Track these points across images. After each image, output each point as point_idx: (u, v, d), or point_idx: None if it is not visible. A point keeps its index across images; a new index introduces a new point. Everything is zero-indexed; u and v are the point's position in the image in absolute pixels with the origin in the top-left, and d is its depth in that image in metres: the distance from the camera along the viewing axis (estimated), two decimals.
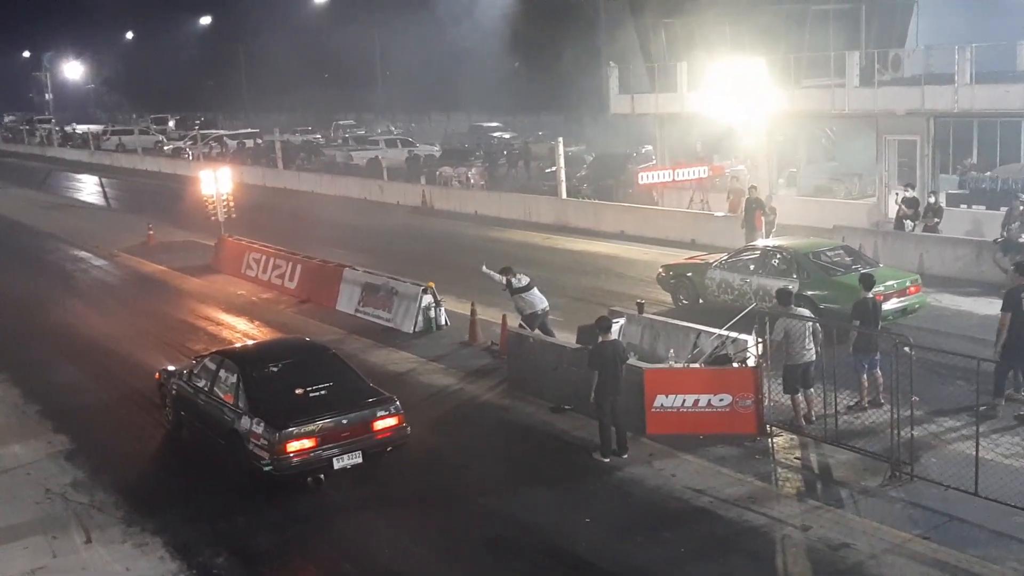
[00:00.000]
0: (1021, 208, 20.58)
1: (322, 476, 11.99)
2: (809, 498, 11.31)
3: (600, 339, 12.75)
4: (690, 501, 11.39)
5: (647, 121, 36.70)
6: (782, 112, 29.09)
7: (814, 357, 13.03)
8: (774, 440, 12.85)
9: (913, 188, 24.19)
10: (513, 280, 16.82)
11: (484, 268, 17.21)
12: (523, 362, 15.50)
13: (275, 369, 12.84)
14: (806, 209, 27.08)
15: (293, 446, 11.66)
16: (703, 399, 13.06)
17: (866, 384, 13.45)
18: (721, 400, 13.01)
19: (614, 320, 14.39)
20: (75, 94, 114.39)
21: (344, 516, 11.62)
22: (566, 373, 14.27)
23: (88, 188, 53.48)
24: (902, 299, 16.82)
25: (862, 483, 11.46)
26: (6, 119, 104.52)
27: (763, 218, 23.43)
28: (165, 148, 67.02)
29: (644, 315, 16.07)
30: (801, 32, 30.93)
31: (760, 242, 20.47)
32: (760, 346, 13.11)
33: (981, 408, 11.77)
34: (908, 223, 23.11)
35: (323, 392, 12.43)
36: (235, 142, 62.20)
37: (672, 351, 14.49)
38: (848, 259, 17.87)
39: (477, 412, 14.91)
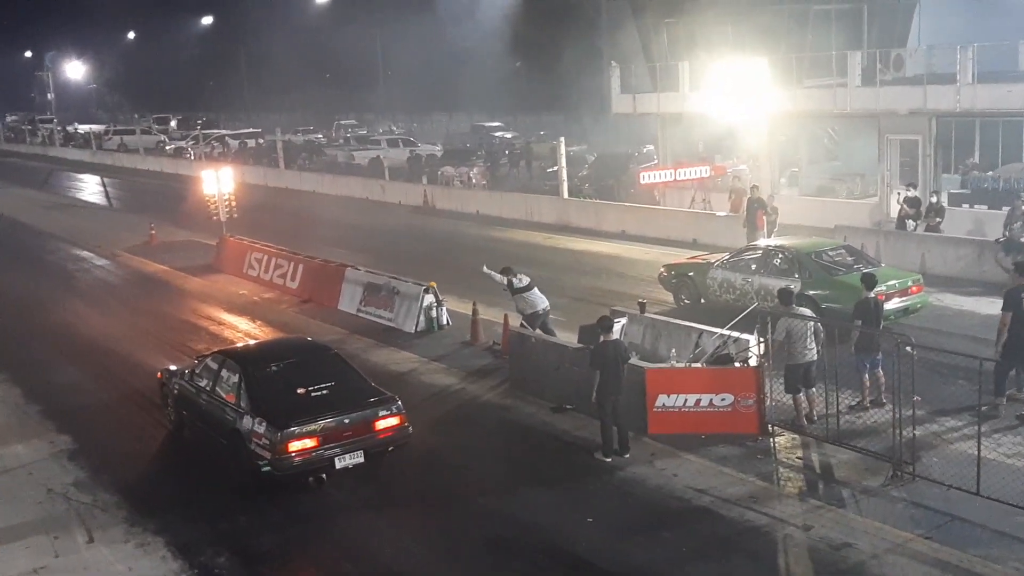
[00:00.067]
0: (1023, 208, 20.56)
1: (324, 476, 12.00)
2: (811, 498, 11.31)
3: (602, 339, 12.75)
4: (692, 501, 11.39)
5: (649, 121, 36.71)
6: (784, 112, 29.09)
7: (816, 357, 13.02)
8: (776, 440, 12.84)
9: (915, 188, 24.18)
10: (514, 280, 16.83)
11: (485, 268, 17.21)
12: (525, 362, 15.50)
13: (277, 369, 12.86)
14: (808, 209, 27.07)
15: (295, 446, 11.67)
16: (705, 399, 13.06)
17: (868, 384, 13.45)
18: (723, 400, 13.01)
19: (616, 320, 14.39)
20: (77, 94, 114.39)
21: (345, 516, 11.63)
22: (568, 373, 14.27)
23: (90, 188, 53.54)
24: (904, 299, 16.81)
25: (864, 483, 11.45)
26: (8, 119, 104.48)
27: (765, 218, 23.42)
28: (167, 148, 67.03)
29: (646, 315, 16.06)
30: (803, 32, 30.92)
31: (762, 242, 20.47)
32: (762, 346, 13.10)
33: (983, 408, 11.75)
34: (910, 223, 23.10)
35: (325, 392, 12.43)
36: (237, 142, 62.20)
37: (674, 351, 14.48)
38: (850, 259, 17.86)
39: (478, 412, 14.91)
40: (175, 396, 14.17)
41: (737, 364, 13.41)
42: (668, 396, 13.13)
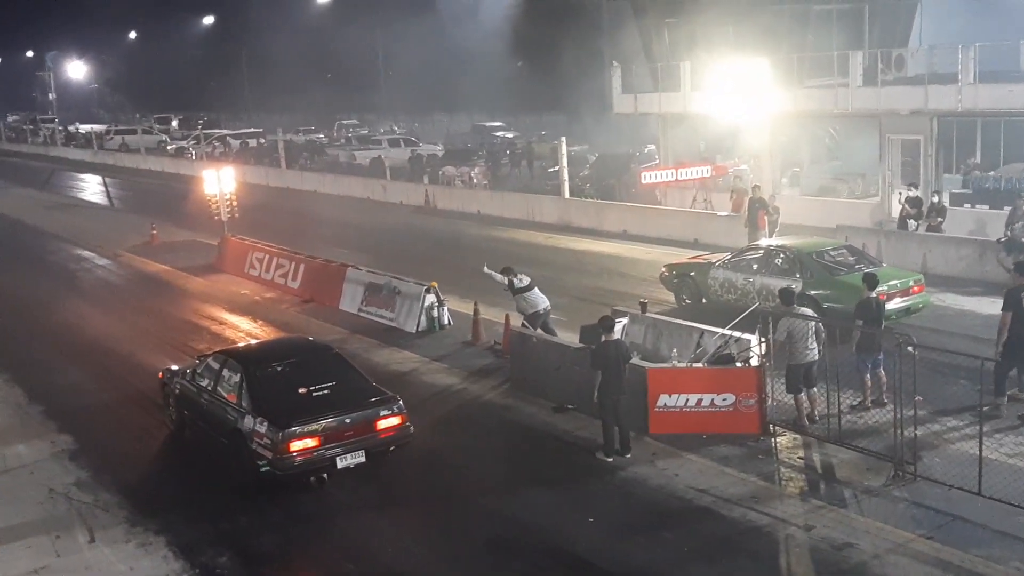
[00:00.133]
0: None
1: (325, 475, 12.00)
2: (812, 498, 11.31)
3: (603, 339, 12.76)
4: (693, 501, 11.38)
5: (650, 121, 36.72)
6: (785, 112, 29.08)
7: (817, 357, 13.02)
8: (777, 440, 12.83)
9: (916, 188, 24.16)
10: (515, 280, 16.83)
11: (485, 268, 17.21)
12: (526, 362, 15.51)
13: (278, 368, 12.87)
14: (809, 209, 27.06)
15: (296, 445, 11.67)
16: (706, 399, 13.06)
17: (869, 384, 13.45)
18: (724, 400, 13.01)
19: (617, 320, 14.39)
20: (78, 94, 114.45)
21: (347, 516, 11.63)
22: (569, 373, 14.27)
23: (91, 188, 53.57)
24: (905, 299, 16.81)
25: (865, 483, 11.45)
26: (9, 118, 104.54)
27: (766, 218, 23.42)
28: (168, 148, 67.02)
29: (647, 315, 16.06)
30: (804, 32, 30.91)
31: (763, 242, 20.46)
32: (763, 346, 13.10)
33: (984, 408, 11.76)
34: (911, 223, 23.08)
35: (326, 392, 12.44)
36: (238, 142, 62.17)
37: (675, 351, 14.48)
38: (851, 259, 17.85)
39: (480, 412, 14.91)
40: (176, 396, 14.18)
41: (738, 364, 13.40)
42: (669, 396, 13.13)
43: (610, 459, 12.52)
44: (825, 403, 12.82)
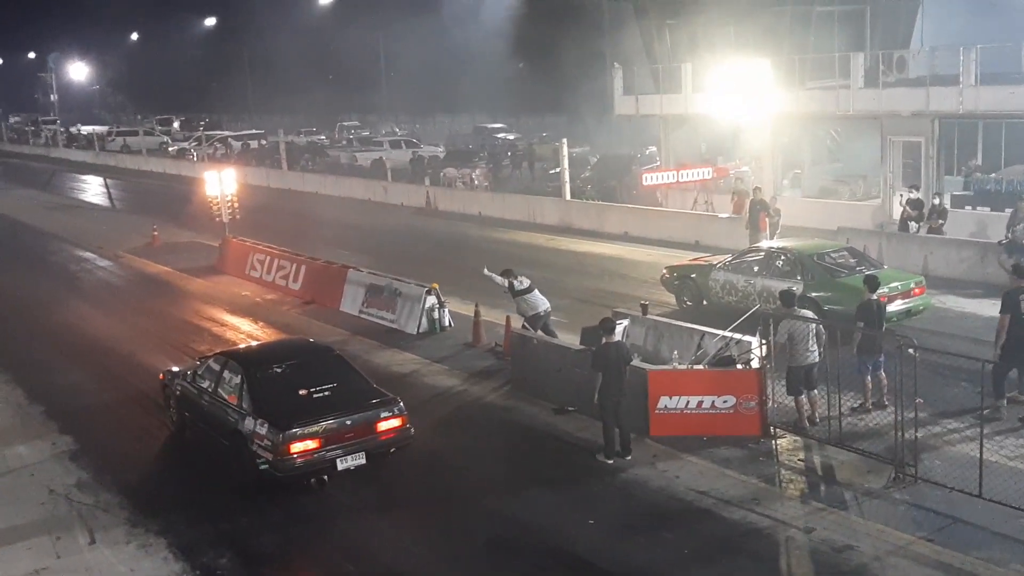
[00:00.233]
0: None
1: (325, 477, 12.00)
2: (813, 500, 11.30)
3: (604, 340, 12.75)
4: (693, 502, 11.38)
5: (651, 122, 36.69)
6: (786, 113, 29.09)
7: (818, 359, 13.02)
8: (778, 442, 12.83)
9: (918, 190, 24.16)
10: (515, 282, 16.84)
11: (486, 271, 17.22)
12: (526, 363, 15.51)
13: (279, 370, 12.86)
14: (810, 211, 27.05)
15: (297, 447, 11.67)
16: (707, 401, 13.06)
17: (870, 386, 13.45)
18: (725, 402, 13.01)
19: (618, 321, 14.37)
20: (80, 95, 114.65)
21: (347, 517, 11.63)
22: (570, 374, 14.27)
23: (93, 189, 53.61)
24: (906, 301, 16.80)
25: (866, 485, 11.44)
26: (11, 120, 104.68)
27: (767, 220, 23.40)
28: (169, 149, 67.08)
29: (648, 316, 16.07)
30: (805, 33, 30.89)
31: (764, 244, 20.45)
32: (764, 348, 13.10)
33: (985, 410, 11.75)
34: (912, 225, 23.07)
35: (327, 393, 12.44)
36: (239, 143, 62.23)
37: (676, 353, 14.48)
38: (852, 261, 17.85)
39: (480, 413, 14.91)
40: (177, 397, 14.18)
41: (739, 366, 13.41)
42: (670, 398, 13.13)
43: (610, 461, 12.52)
44: (826, 405, 12.81)
